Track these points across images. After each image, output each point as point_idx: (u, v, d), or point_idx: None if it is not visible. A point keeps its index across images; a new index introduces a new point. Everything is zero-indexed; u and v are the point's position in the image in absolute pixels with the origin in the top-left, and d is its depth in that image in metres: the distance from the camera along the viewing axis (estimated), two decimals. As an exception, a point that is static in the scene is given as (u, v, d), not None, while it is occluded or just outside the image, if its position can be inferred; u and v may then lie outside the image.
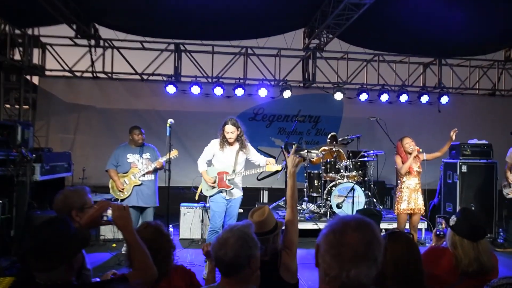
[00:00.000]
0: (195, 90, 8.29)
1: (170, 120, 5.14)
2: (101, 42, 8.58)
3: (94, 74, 8.81)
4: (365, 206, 6.68)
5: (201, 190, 5.20)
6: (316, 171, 7.41)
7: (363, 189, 6.79)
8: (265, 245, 2.34)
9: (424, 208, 5.52)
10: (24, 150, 5.27)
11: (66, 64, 8.67)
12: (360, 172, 7.14)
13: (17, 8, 7.06)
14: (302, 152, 6.37)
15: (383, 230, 5.99)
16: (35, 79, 8.74)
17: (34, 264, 1.72)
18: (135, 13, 7.52)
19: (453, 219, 2.49)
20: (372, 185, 7.43)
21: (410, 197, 5.39)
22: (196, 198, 5.44)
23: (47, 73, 8.76)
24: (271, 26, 8.27)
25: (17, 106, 8.43)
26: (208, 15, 7.46)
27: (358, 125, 8.78)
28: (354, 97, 9.03)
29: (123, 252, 5.42)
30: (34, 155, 5.48)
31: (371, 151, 7.34)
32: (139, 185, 5.54)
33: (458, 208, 6.79)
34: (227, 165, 5.03)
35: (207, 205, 6.46)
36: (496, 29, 7.93)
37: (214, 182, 5.00)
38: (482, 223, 2.47)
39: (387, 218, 6.85)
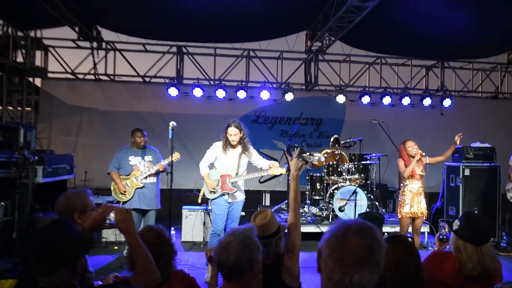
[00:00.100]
0: (197, 92, 8.29)
1: (172, 123, 5.15)
2: (104, 45, 8.60)
3: (97, 76, 8.84)
4: (368, 209, 6.66)
5: (203, 193, 5.20)
6: (318, 174, 7.40)
7: (365, 192, 6.77)
8: (267, 248, 2.33)
9: (426, 211, 5.50)
10: (27, 152, 5.28)
11: (68, 66, 8.69)
12: (362, 175, 7.12)
13: (20, 10, 7.09)
14: (304, 155, 6.37)
15: (386, 233, 5.96)
16: (38, 81, 8.76)
17: (36, 268, 1.71)
18: (135, 13, 7.53)
19: (456, 224, 2.48)
20: (374, 188, 7.41)
21: (413, 201, 5.37)
22: (199, 201, 5.44)
23: (50, 75, 8.80)
24: (271, 27, 8.27)
25: (19, 108, 8.45)
26: (208, 15, 7.46)
27: (360, 128, 8.76)
28: (356, 99, 9.01)
29: (125, 254, 5.41)
30: (36, 157, 5.50)
31: (374, 154, 7.32)
32: (141, 187, 5.53)
33: (461, 211, 6.77)
34: (230, 168, 5.02)
35: (209, 207, 6.46)
36: (496, 30, 7.92)
37: (217, 186, 4.99)
38: (485, 227, 2.47)
39: (390, 221, 6.82)
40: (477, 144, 7.20)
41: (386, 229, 6.48)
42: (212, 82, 8.93)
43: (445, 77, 9.63)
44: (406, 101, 8.97)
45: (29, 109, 8.58)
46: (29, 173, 5.30)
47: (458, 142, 5.58)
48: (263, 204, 9.14)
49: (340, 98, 8.68)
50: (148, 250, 2.02)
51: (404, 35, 8.35)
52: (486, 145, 7.20)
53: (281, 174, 5.12)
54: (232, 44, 8.87)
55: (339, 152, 7.48)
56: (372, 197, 7.23)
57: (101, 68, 8.71)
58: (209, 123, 8.41)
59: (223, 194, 5.01)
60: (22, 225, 5.24)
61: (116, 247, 6.17)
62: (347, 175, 6.98)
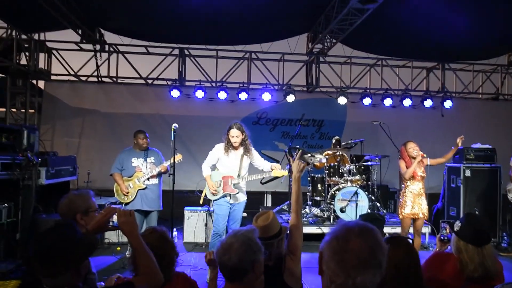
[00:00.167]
0: (199, 94, 8.32)
1: (174, 125, 5.17)
2: (106, 47, 8.65)
3: (99, 79, 8.88)
4: (369, 210, 6.67)
5: (205, 194, 5.22)
6: (319, 175, 7.42)
7: (366, 193, 6.78)
8: (269, 250, 2.34)
9: (427, 212, 5.51)
10: (30, 154, 5.31)
11: (71, 68, 8.75)
12: (363, 176, 7.13)
13: (23, 13, 7.12)
14: (306, 156, 6.39)
15: (387, 234, 5.97)
16: (41, 84, 8.82)
17: (39, 270, 1.70)
18: (136, 15, 7.56)
19: (457, 225, 2.49)
20: (375, 189, 7.42)
21: (414, 202, 5.38)
22: (201, 202, 5.46)
23: (53, 77, 8.85)
24: (273, 29, 8.29)
25: (23, 110, 8.49)
26: (210, 18, 7.48)
27: (361, 129, 8.78)
28: (358, 101, 9.03)
29: (127, 256, 5.44)
30: (39, 159, 5.52)
31: (374, 155, 7.33)
32: (143, 189, 5.55)
33: (462, 212, 6.78)
34: (232, 169, 5.04)
35: (211, 208, 6.49)
36: (496, 31, 7.92)
37: (219, 187, 5.02)
38: (486, 228, 2.47)
39: (391, 222, 6.84)
40: (478, 145, 7.21)
41: (387, 230, 6.47)
42: (214, 84, 8.96)
43: (446, 79, 9.64)
44: (407, 102, 8.98)
45: (32, 111, 8.61)
46: (32, 174, 5.33)
47: (460, 144, 5.59)
48: (265, 205, 9.16)
49: (342, 100, 8.70)
50: (151, 251, 2.03)
51: (405, 37, 8.36)
52: (487, 146, 7.20)
53: (283, 176, 5.14)
54: (234, 46, 8.90)
55: (340, 153, 7.49)
56: (373, 198, 7.24)
57: (104, 71, 8.77)
58: (211, 125, 8.43)
59: (225, 195, 5.03)
60: (25, 226, 5.26)
61: (118, 248, 6.19)
62: (348, 176, 6.99)
